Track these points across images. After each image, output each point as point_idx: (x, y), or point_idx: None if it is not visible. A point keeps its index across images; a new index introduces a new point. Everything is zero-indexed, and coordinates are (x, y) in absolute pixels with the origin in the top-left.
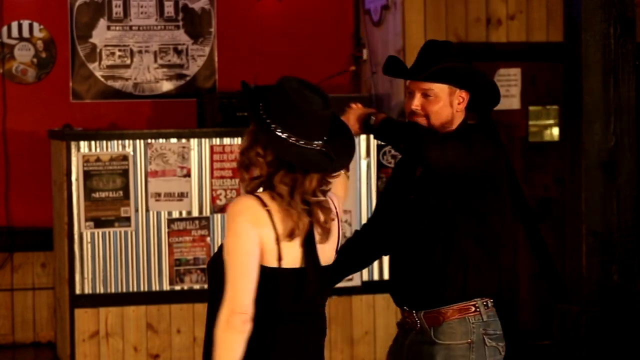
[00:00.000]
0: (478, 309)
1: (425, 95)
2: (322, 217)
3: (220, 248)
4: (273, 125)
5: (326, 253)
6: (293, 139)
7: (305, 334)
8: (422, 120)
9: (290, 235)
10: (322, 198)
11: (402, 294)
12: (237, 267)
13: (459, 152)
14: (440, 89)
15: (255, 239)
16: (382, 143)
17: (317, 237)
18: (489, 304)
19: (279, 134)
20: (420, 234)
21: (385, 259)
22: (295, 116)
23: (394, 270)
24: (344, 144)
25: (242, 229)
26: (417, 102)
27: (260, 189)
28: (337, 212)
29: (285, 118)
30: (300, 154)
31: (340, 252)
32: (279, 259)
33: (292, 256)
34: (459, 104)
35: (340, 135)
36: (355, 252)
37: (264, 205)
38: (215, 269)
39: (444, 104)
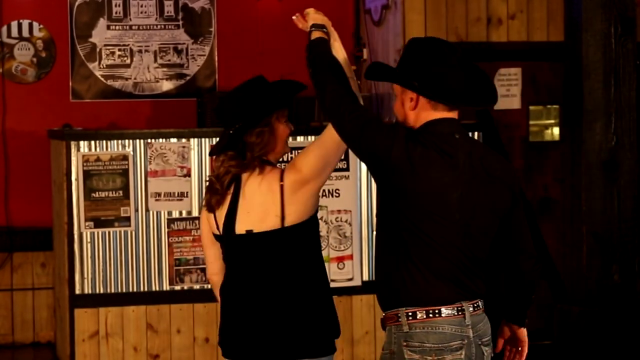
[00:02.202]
0: (400, 319)
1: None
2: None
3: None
4: None
5: (243, 222)
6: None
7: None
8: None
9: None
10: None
11: None
12: None
13: (331, 105)
14: (396, 88)
15: (204, 215)
16: None
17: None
18: (417, 314)
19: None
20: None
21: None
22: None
23: None
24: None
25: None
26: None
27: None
28: (281, 183)
29: None
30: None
31: None
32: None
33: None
34: (410, 102)
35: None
36: None
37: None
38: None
39: (399, 103)
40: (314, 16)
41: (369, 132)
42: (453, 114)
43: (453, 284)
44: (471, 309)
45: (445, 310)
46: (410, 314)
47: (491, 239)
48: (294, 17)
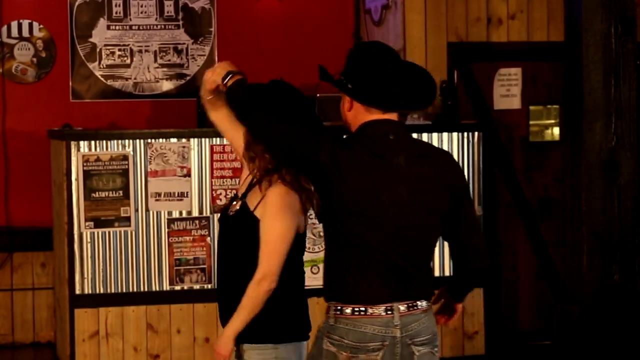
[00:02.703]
0: (330, 312)
1: None
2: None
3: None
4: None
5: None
6: None
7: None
8: None
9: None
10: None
11: None
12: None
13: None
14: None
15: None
16: None
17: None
18: (344, 310)
19: None
20: None
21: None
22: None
23: None
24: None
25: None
26: None
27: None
28: None
29: (282, 114)
30: None
31: None
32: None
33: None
34: (347, 104)
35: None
36: None
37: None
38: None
39: (341, 105)
40: (217, 72)
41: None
42: (389, 115)
43: (383, 285)
44: (403, 308)
45: (371, 310)
46: (338, 308)
47: (435, 238)
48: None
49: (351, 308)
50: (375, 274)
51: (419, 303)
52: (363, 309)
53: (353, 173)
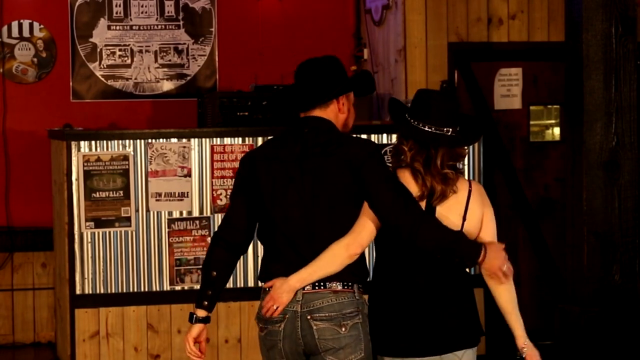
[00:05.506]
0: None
1: None
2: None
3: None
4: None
5: (445, 217)
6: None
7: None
8: None
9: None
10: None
11: None
12: None
13: None
14: None
15: None
16: (384, 142)
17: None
18: (264, 288)
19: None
20: None
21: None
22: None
23: None
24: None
25: None
26: None
27: None
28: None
29: (418, 112)
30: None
31: None
32: None
33: None
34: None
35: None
36: None
37: None
38: None
39: None
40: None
41: (234, 196)
42: (312, 113)
43: (293, 269)
44: (309, 287)
45: None
46: (261, 286)
47: (350, 225)
48: None
49: (267, 286)
50: (285, 258)
51: (328, 284)
52: (271, 287)
53: (263, 167)
